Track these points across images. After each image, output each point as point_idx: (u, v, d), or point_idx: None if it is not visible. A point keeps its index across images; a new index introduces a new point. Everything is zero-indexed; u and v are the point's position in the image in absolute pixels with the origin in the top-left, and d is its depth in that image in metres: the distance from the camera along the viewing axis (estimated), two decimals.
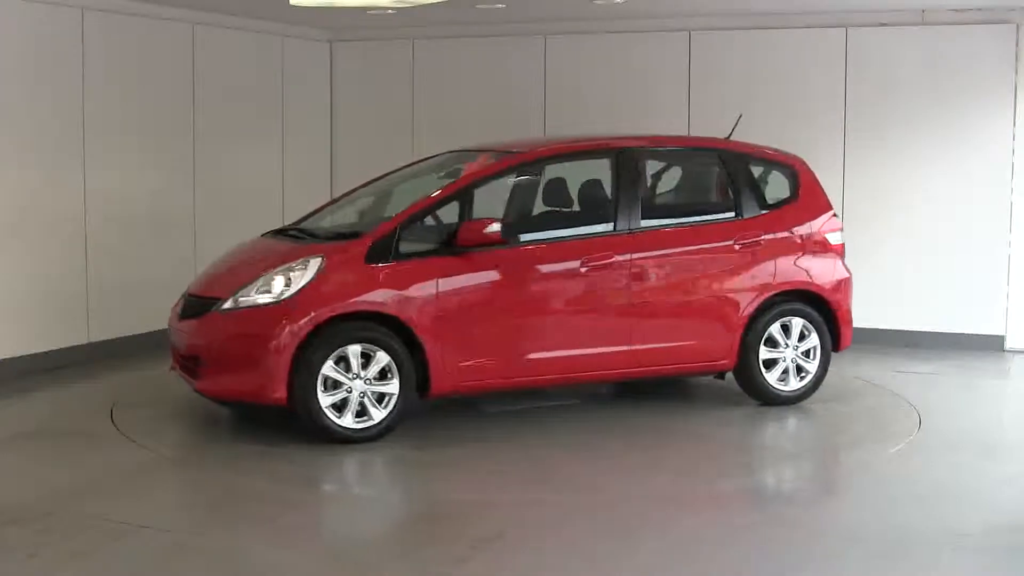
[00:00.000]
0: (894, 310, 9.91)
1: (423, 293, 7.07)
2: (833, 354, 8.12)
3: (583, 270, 7.50)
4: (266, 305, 6.94)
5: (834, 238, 8.20)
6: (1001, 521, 5.80)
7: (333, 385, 6.92)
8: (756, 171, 8.21)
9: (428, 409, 7.92)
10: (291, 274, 6.99)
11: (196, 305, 7.37)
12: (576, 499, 6.18)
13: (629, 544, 5.49)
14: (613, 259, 7.53)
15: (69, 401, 8.30)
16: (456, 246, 7.19)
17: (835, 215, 8.30)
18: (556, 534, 5.60)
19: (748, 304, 7.81)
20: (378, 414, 6.99)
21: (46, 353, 8.95)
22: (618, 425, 7.62)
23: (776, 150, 8.41)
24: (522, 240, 7.52)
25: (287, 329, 6.82)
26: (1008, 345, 9.94)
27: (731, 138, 8.37)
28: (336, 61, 11.93)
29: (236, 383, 7.05)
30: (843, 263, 8.19)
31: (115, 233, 9.50)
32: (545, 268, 7.50)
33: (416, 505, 6.02)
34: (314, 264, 6.99)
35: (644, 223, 7.72)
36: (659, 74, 10.74)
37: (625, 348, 7.60)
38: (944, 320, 10.07)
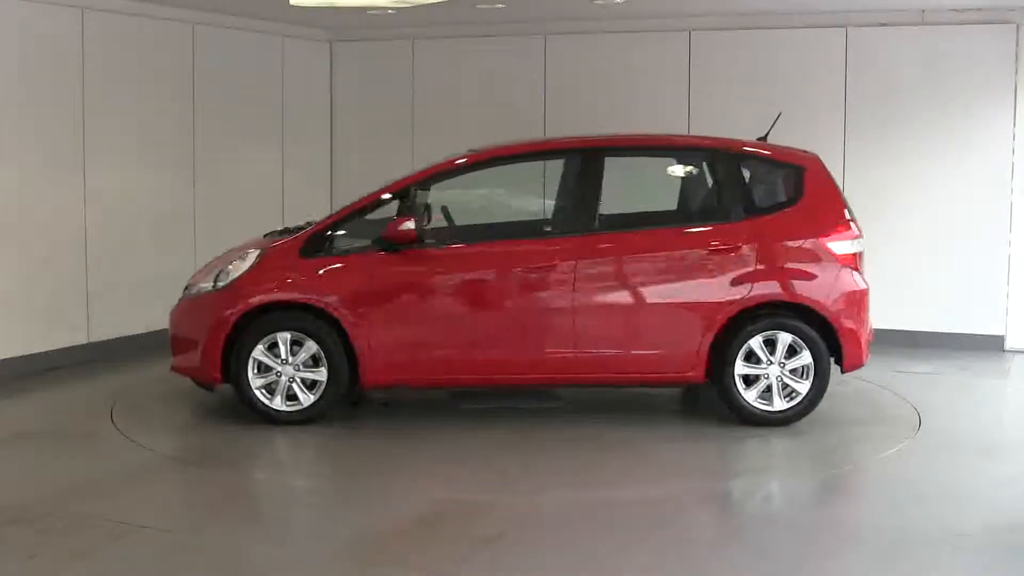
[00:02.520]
0: (894, 310, 9.90)
1: (352, 287, 7.39)
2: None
3: (520, 273, 7.45)
4: (209, 292, 7.56)
5: (841, 247, 7.46)
6: (1001, 521, 5.80)
7: (265, 369, 7.37)
8: (755, 172, 7.75)
9: (413, 404, 7.94)
10: (232, 265, 7.57)
11: (182, 292, 8.00)
12: (575, 499, 6.18)
13: (629, 544, 5.49)
14: (553, 262, 7.39)
15: (69, 401, 8.30)
16: (385, 243, 7.38)
17: (849, 222, 7.55)
18: (556, 534, 5.61)
19: (718, 315, 7.31)
20: (306, 399, 7.38)
21: (46, 353, 8.95)
22: (609, 427, 7.58)
23: (786, 149, 7.83)
24: (455, 240, 7.69)
25: (221, 315, 7.38)
26: (1008, 345, 9.95)
27: (767, 138, 7.96)
28: (336, 61, 11.93)
29: (188, 362, 7.61)
30: (854, 275, 7.45)
31: (115, 233, 9.50)
32: (479, 269, 7.50)
33: (417, 505, 6.02)
34: (252, 256, 7.55)
35: (601, 226, 7.55)
36: (659, 74, 10.74)
37: (566, 353, 7.42)
38: (944, 320, 10.07)
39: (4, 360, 8.62)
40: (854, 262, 7.52)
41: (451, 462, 6.85)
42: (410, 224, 7.29)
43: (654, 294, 7.44)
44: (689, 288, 7.42)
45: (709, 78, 10.55)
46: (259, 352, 7.35)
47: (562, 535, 5.60)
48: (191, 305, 7.72)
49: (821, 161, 7.77)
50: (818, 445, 7.36)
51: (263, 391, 7.39)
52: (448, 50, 11.49)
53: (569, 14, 10.60)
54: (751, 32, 10.46)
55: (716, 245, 7.41)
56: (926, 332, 10.08)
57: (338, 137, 11.96)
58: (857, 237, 7.58)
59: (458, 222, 8.14)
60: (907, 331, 10.06)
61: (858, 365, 7.56)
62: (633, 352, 7.46)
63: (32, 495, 6.09)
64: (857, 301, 7.48)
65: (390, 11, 9.95)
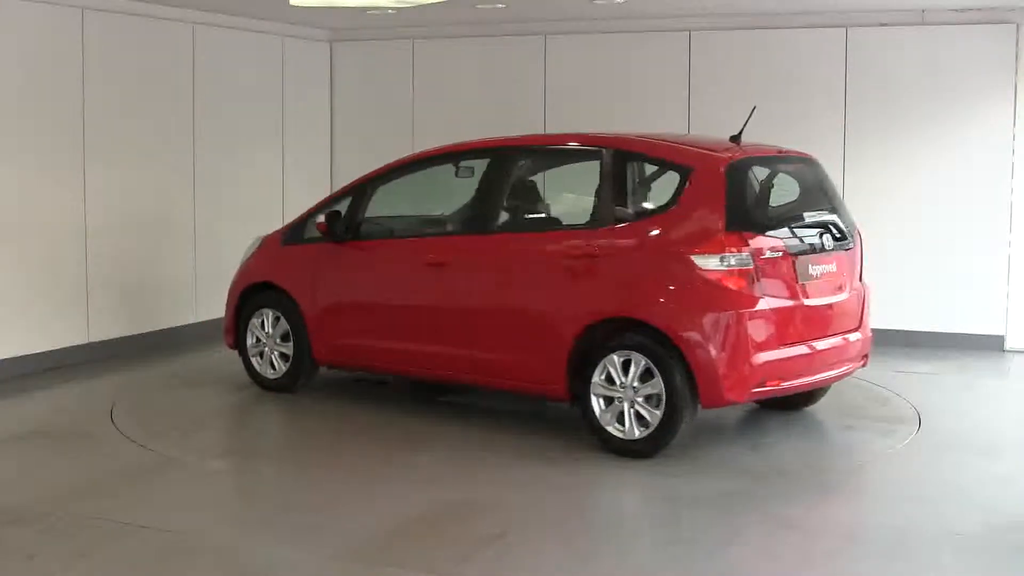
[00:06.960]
0: (894, 310, 9.90)
1: (306, 272, 8.16)
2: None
3: (402, 270, 7.75)
4: (239, 273, 8.64)
5: (709, 262, 6.48)
6: (1001, 521, 5.80)
7: (257, 340, 8.39)
8: (634, 174, 7.17)
9: (411, 402, 7.94)
10: (248, 250, 8.62)
11: None
12: (576, 499, 6.18)
13: (629, 544, 5.49)
14: (427, 261, 7.53)
15: (69, 401, 8.31)
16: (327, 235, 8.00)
17: (730, 235, 6.52)
18: (556, 534, 5.61)
19: (567, 329, 6.85)
20: (279, 368, 8.30)
21: (46, 353, 8.95)
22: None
23: (679, 148, 7.09)
24: (375, 236, 7.96)
25: (234, 291, 8.53)
26: (1008, 345, 9.95)
27: (741, 135, 7.41)
28: (336, 61, 11.93)
29: (224, 333, 8.69)
30: (727, 295, 6.47)
31: (115, 233, 9.50)
32: (377, 264, 7.91)
33: (418, 504, 6.02)
34: (255, 243, 8.61)
35: (487, 228, 7.48)
36: (659, 74, 10.74)
37: (460, 352, 7.46)
38: (944, 320, 10.07)
39: (4, 360, 8.62)
40: (731, 280, 6.51)
41: (450, 461, 6.86)
42: (319, 218, 7.95)
43: (508, 301, 7.25)
44: (541, 298, 7.06)
45: (709, 78, 10.55)
46: (253, 325, 8.36)
47: (562, 535, 5.60)
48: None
49: (731, 162, 6.84)
50: (818, 445, 7.36)
51: (258, 358, 8.39)
52: (448, 50, 11.50)
53: (569, 14, 10.60)
54: (751, 32, 10.46)
55: (570, 253, 6.96)
56: (926, 332, 10.08)
57: (338, 137, 11.96)
58: (741, 252, 6.52)
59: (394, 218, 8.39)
60: (907, 331, 10.06)
61: (717, 401, 6.62)
62: (489, 357, 7.32)
63: (32, 495, 6.10)
64: (723, 327, 6.47)
65: (390, 11, 9.96)
